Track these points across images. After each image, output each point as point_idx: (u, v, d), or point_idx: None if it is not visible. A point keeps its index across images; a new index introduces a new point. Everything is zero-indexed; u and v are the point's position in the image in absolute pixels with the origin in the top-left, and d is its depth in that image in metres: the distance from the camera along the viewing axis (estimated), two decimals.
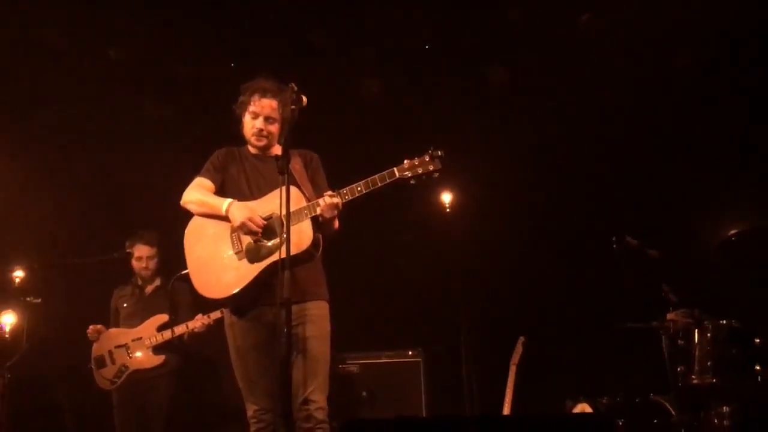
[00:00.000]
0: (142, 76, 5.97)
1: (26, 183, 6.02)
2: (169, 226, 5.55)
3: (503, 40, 5.80)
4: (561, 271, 5.80)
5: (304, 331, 3.57)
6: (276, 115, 3.76)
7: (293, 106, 3.51)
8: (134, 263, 5.44)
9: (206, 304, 4.83)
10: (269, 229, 3.61)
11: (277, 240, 3.57)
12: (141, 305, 5.40)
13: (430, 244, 5.94)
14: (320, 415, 3.52)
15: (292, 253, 3.40)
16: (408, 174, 3.58)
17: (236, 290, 3.58)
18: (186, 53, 5.89)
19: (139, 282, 5.49)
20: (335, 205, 3.55)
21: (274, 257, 3.51)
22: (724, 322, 4.08)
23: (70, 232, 6.03)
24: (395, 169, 3.59)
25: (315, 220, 3.60)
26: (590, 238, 5.25)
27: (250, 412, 3.64)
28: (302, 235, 3.56)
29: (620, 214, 5.50)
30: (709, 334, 4.07)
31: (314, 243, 3.60)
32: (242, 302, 3.64)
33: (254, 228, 3.59)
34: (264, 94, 3.76)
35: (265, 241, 3.61)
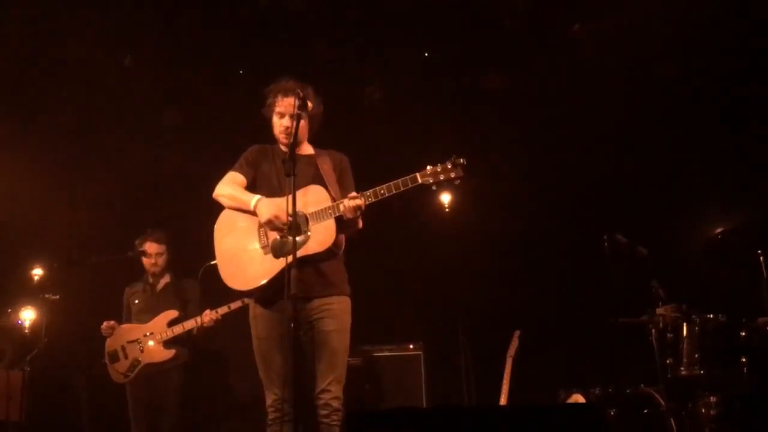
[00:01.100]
0: (155, 83, 6.03)
1: (46, 185, 6.10)
2: (182, 227, 5.73)
3: (500, 47, 5.87)
4: (555, 268, 5.86)
5: (325, 324, 3.68)
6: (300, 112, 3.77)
7: (299, 111, 3.63)
8: (144, 260, 5.53)
9: (223, 297, 4.91)
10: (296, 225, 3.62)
11: (302, 237, 3.64)
12: (152, 301, 5.48)
13: (431, 243, 6.05)
14: (336, 404, 3.64)
15: (316, 250, 3.60)
16: (430, 180, 3.63)
17: (260, 283, 3.66)
18: (196, 61, 5.97)
19: (150, 279, 5.57)
20: (358, 207, 3.62)
21: (298, 253, 3.56)
22: (711, 316, 4.17)
23: (87, 233, 6.10)
24: (417, 174, 3.64)
25: (339, 219, 3.68)
26: (582, 236, 5.27)
27: (269, 401, 3.69)
28: (327, 233, 3.65)
29: (611, 214, 5.53)
30: (696, 328, 4.16)
31: (336, 242, 3.70)
32: (266, 295, 3.71)
33: (280, 225, 3.66)
34: (286, 93, 3.82)
35: (290, 237, 3.60)
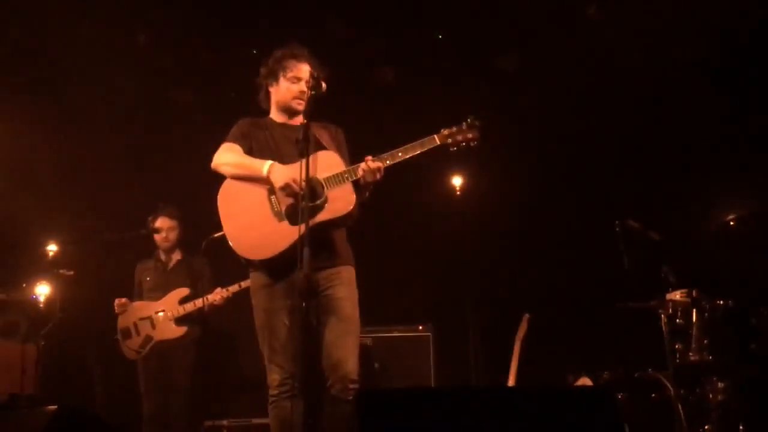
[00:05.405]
0: (167, 60, 6.05)
1: (61, 163, 6.15)
2: (194, 204, 5.73)
3: (514, 29, 5.84)
4: (565, 252, 5.86)
5: (337, 292, 3.56)
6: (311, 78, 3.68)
7: (313, 92, 3.54)
8: (156, 236, 5.54)
9: (227, 271, 4.94)
10: (310, 190, 3.47)
11: (318, 201, 3.52)
12: (163, 279, 5.53)
13: (442, 225, 6.05)
14: (353, 376, 3.48)
15: (337, 215, 3.51)
16: (448, 141, 3.58)
17: (281, 250, 3.49)
18: (210, 40, 5.98)
19: (162, 256, 5.60)
20: (378, 169, 3.52)
21: (317, 218, 3.48)
22: (721, 302, 4.12)
23: (101, 209, 6.14)
24: (435, 136, 3.59)
25: (355, 185, 3.56)
26: (594, 220, 5.26)
27: (271, 376, 3.55)
28: (346, 197, 3.53)
29: (623, 198, 5.54)
30: (706, 314, 4.11)
31: (356, 207, 3.57)
32: (277, 264, 3.54)
33: (297, 189, 3.47)
34: (300, 59, 3.75)
35: (306, 203, 3.39)
